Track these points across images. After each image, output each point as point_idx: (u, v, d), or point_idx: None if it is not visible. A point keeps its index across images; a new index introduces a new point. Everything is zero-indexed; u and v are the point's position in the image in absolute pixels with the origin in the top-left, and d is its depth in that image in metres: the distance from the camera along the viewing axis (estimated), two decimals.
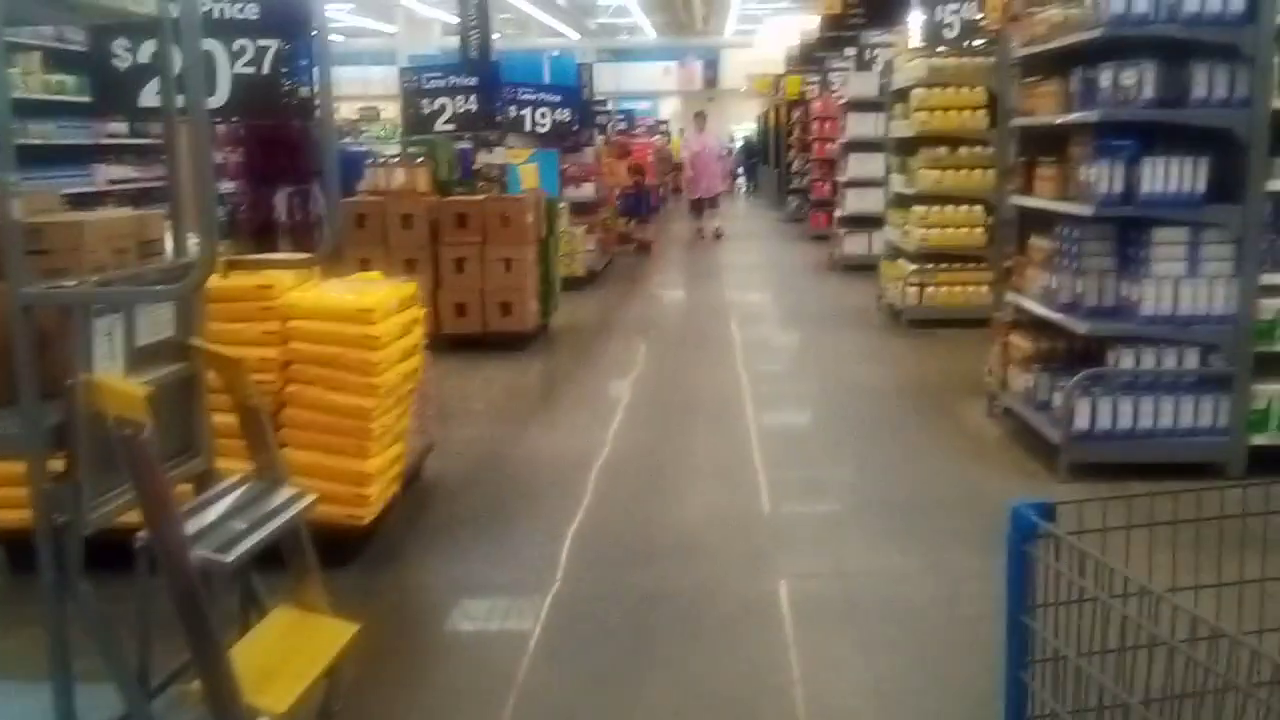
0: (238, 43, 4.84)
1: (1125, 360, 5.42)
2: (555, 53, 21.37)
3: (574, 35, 37.09)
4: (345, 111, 32.12)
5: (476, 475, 5.86)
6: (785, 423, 7.08)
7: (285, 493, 2.96)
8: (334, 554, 4.47)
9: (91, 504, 2.57)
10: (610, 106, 21.03)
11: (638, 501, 5.45)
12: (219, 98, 4.93)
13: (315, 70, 4.64)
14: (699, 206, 18.50)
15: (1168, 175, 5.19)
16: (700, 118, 19.34)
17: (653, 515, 5.24)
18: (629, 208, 17.03)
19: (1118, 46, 5.31)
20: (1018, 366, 6.21)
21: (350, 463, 4.48)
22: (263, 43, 4.84)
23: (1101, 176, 5.24)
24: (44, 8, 3.19)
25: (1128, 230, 5.45)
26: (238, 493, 2.91)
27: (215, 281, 4.29)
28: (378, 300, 4.54)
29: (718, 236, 17.93)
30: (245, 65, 4.86)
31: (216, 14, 4.88)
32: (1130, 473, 5.37)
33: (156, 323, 2.80)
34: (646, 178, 18.24)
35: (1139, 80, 5.19)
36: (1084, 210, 5.37)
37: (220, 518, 2.75)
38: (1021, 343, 6.16)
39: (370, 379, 4.45)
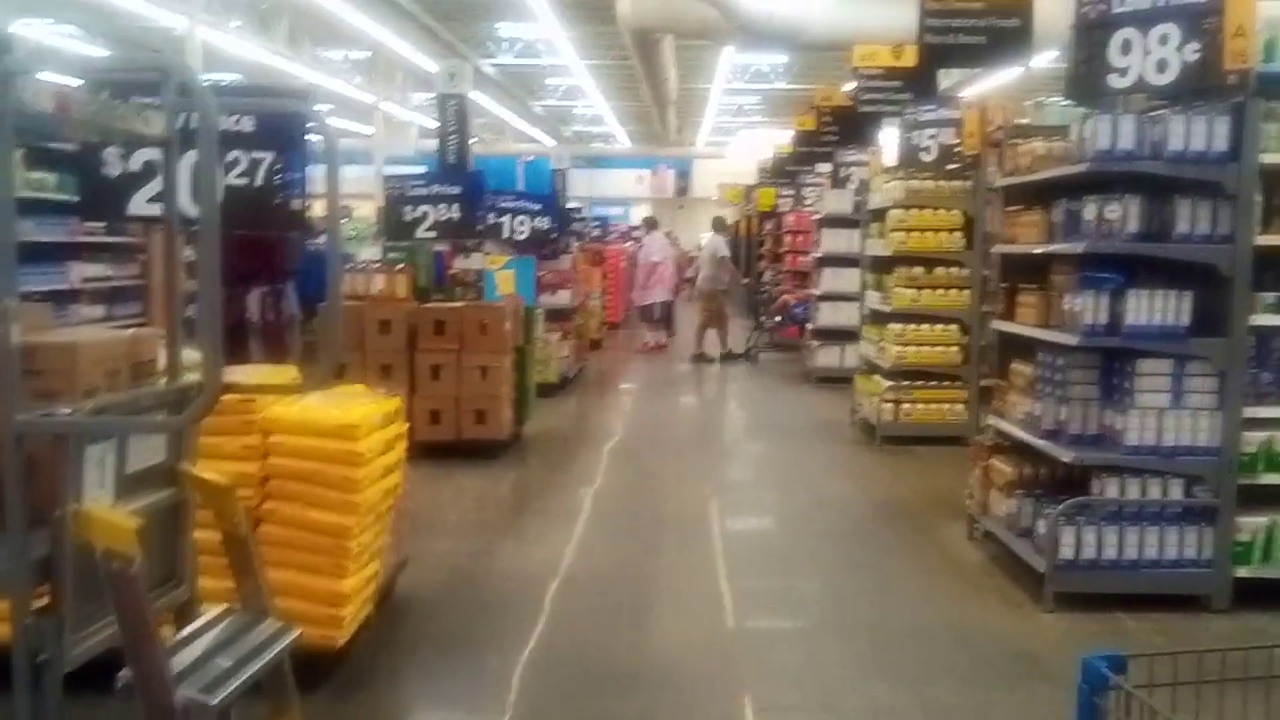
0: (231, 154, 4.83)
1: (1110, 489, 5.41)
2: (530, 158, 21.57)
3: (549, 141, 37.62)
4: (319, 209, 32.33)
5: (449, 592, 5.72)
6: (759, 542, 7.00)
7: (270, 626, 2.86)
8: (305, 676, 4.35)
9: (74, 638, 2.47)
10: (585, 213, 21.22)
11: (610, 623, 5.34)
12: None
13: (315, 180, 4.65)
14: (647, 314, 18.52)
15: (1152, 308, 5.24)
16: (649, 222, 19.54)
17: (626, 637, 5.14)
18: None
19: (1101, 180, 5.40)
20: (999, 491, 6.18)
21: (326, 582, 4.36)
22: (256, 155, 4.83)
23: (1087, 307, 5.28)
24: (50, 125, 3.17)
25: (1112, 360, 5.48)
26: (221, 626, 2.81)
27: None
28: (362, 416, 4.47)
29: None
30: (238, 177, 4.85)
31: None
32: (1115, 603, 5.32)
33: (148, 448, 2.73)
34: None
35: (1123, 214, 5.26)
36: (1069, 339, 5.40)
37: (205, 654, 2.65)
38: (1003, 467, 6.14)
39: (352, 496, 4.36)
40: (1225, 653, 2.12)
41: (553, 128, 38.19)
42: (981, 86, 19.88)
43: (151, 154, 4.89)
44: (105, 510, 2.48)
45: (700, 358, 15.97)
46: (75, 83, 3.02)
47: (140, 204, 4.91)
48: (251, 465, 4.37)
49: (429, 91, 22.24)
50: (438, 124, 12.54)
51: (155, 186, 4.92)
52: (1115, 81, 5.46)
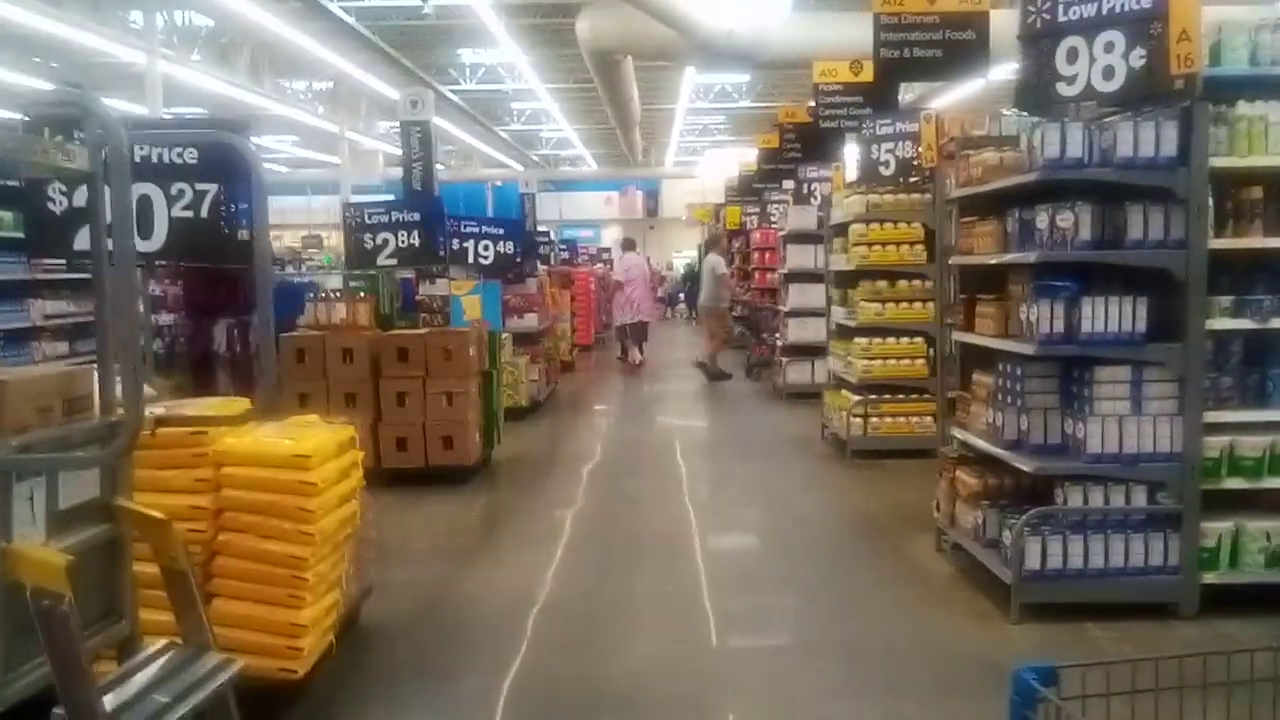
0: (176, 186, 4.79)
1: (1073, 498, 5.40)
2: (498, 183, 21.54)
3: (518, 166, 37.65)
4: (289, 240, 32.35)
5: (416, 620, 5.66)
6: (729, 561, 6.93)
7: (211, 660, 2.81)
8: (265, 708, 4.30)
9: (6, 679, 2.41)
10: (553, 236, 21.22)
11: (583, 646, 5.29)
12: (157, 240, 4.87)
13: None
14: (621, 334, 18.56)
15: (1108, 315, 5.23)
16: (626, 243, 19.55)
17: (598, 661, 5.08)
18: None
19: (1053, 188, 5.41)
20: (965, 503, 6.17)
21: (283, 613, 4.30)
22: (201, 187, 4.79)
23: (1042, 316, 5.28)
24: None
25: (1070, 368, 5.47)
26: (161, 661, 2.76)
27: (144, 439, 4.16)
28: (315, 445, 4.42)
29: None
30: (183, 209, 4.81)
31: (155, 159, 4.84)
32: (1083, 613, 5.30)
33: (81, 484, 2.68)
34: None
35: (1075, 222, 5.26)
36: (1025, 349, 5.40)
37: (143, 690, 2.60)
38: (968, 479, 6.13)
39: (306, 527, 4.30)
40: (1158, 661, 2.09)
41: (520, 153, 38.23)
42: (946, 99, 20.04)
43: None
44: (33, 548, 2.42)
45: (721, 375, 15.80)
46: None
47: (86, 239, 4.83)
48: (205, 498, 4.31)
49: (394, 119, 22.23)
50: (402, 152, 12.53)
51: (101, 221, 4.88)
52: (1064, 90, 5.50)
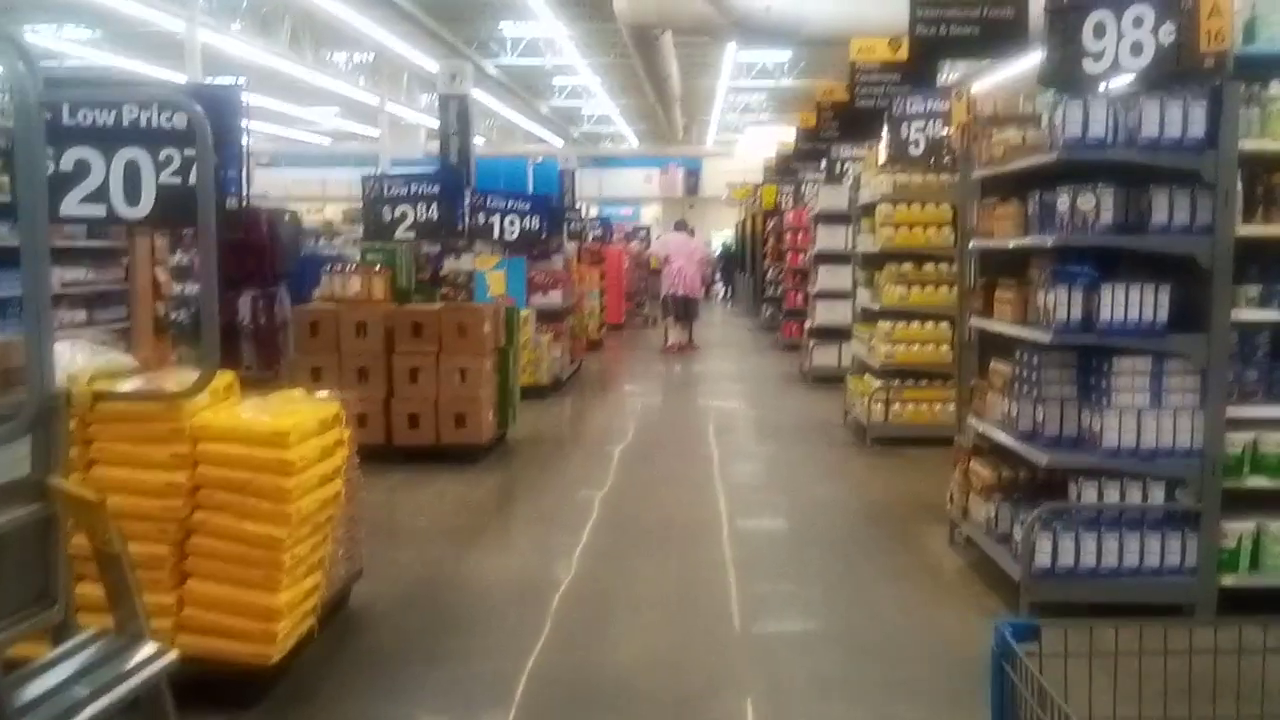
0: (164, 152, 4.68)
1: (1087, 493, 5.18)
2: (539, 159, 21.47)
3: (558, 142, 37.52)
4: (330, 213, 32.47)
5: (409, 603, 5.53)
6: (736, 551, 6.72)
7: (144, 650, 2.68)
8: (238, 694, 4.21)
9: None
10: (586, 213, 21.04)
11: (587, 636, 5.13)
12: (144, 207, 4.78)
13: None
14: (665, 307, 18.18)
15: (1128, 303, 5.00)
16: (679, 224, 19.30)
17: (592, 646, 4.95)
18: None
19: (1076, 170, 5.18)
20: (978, 495, 5.96)
21: (259, 596, 4.18)
22: (189, 152, 4.67)
23: (1059, 303, 5.05)
24: None
25: (1088, 358, 5.25)
26: (90, 650, 2.63)
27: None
28: (294, 423, 4.28)
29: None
30: (171, 175, 4.70)
31: (144, 123, 4.75)
32: (1095, 613, 5.03)
33: (9, 461, 2.55)
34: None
35: (1096, 205, 5.03)
36: (1042, 337, 5.18)
37: (62, 683, 2.46)
38: (982, 470, 5.92)
39: (283, 506, 4.17)
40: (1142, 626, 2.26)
41: (561, 128, 38.08)
42: (990, 79, 19.65)
43: (83, 153, 4.76)
44: None
45: None
46: None
47: (73, 205, 4.76)
48: (181, 474, 4.19)
49: (435, 93, 22.16)
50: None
51: (88, 186, 4.79)
52: (1090, 67, 5.24)
